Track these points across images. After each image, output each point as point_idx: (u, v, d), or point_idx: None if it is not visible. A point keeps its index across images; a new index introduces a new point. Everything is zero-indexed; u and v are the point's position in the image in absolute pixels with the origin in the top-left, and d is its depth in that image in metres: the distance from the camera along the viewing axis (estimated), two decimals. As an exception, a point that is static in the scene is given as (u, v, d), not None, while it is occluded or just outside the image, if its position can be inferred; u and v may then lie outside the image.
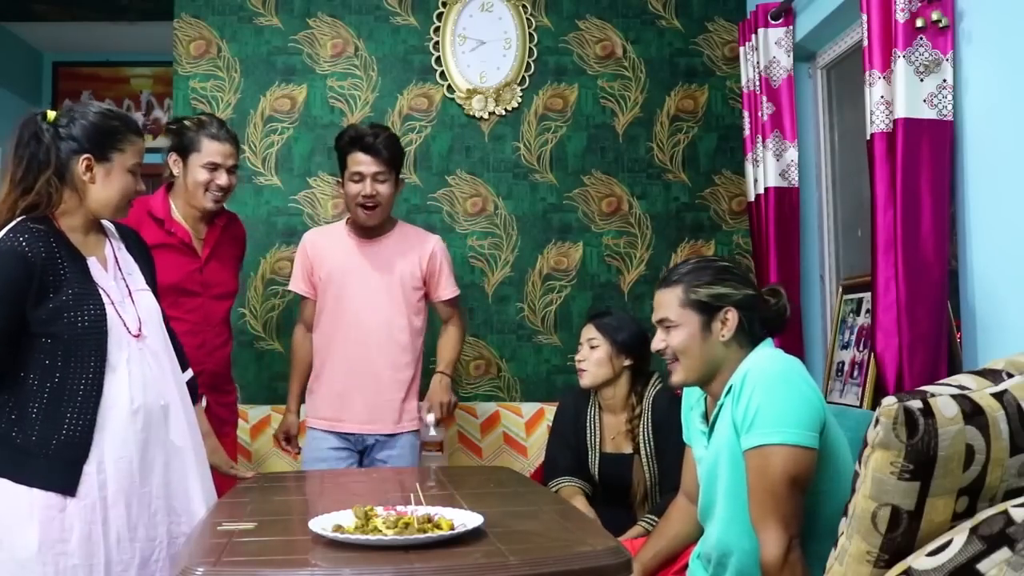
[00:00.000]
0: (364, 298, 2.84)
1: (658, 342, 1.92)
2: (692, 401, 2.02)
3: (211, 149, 2.63)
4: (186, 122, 2.69)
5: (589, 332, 2.72)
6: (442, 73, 3.66)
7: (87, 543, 1.85)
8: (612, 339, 2.68)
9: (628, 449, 2.67)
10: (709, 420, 1.92)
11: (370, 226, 2.86)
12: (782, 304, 1.91)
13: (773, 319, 1.91)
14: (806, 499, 1.74)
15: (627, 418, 2.69)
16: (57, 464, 1.84)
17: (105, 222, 2.07)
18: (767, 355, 1.83)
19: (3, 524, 1.82)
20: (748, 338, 1.88)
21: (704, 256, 1.99)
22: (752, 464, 1.73)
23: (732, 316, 1.86)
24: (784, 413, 1.71)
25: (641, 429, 2.64)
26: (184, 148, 2.65)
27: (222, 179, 2.65)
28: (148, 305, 2.04)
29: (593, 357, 2.67)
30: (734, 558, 1.85)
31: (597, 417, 2.74)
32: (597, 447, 2.72)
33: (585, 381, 2.70)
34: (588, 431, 2.74)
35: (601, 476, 2.70)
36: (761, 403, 1.72)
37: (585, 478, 2.72)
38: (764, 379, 1.75)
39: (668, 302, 1.90)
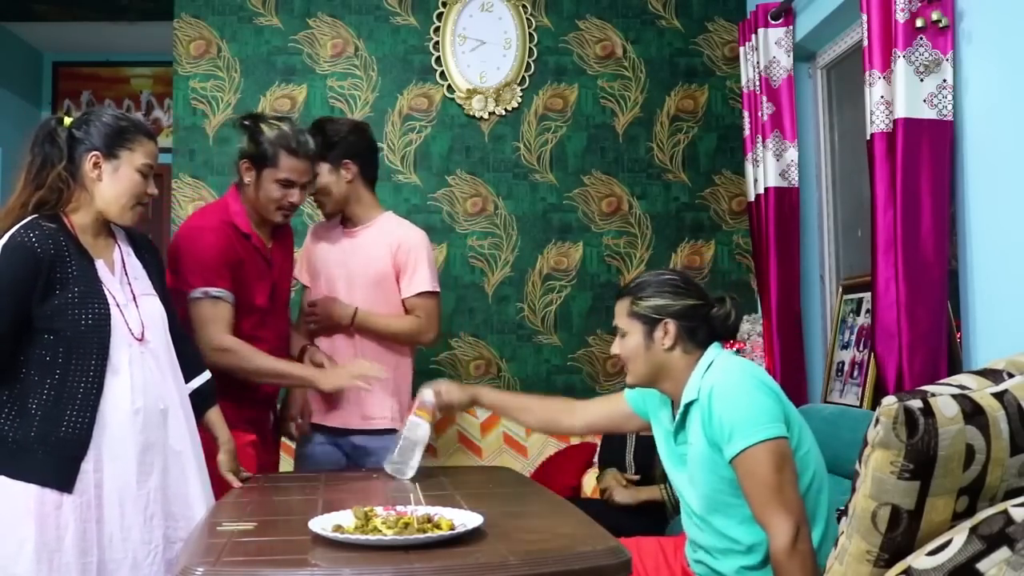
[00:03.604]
0: (341, 290, 2.71)
1: (614, 347, 2.04)
2: (658, 400, 2.10)
3: (288, 166, 2.43)
4: (264, 128, 2.45)
5: None
6: (442, 73, 3.66)
7: (81, 541, 1.85)
8: None
9: None
10: (675, 418, 2.00)
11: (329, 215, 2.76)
12: (724, 311, 1.99)
13: (718, 326, 2.00)
14: None
15: None
16: (54, 461, 1.85)
17: (115, 227, 2.08)
18: (723, 368, 1.91)
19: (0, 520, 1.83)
20: (693, 344, 1.97)
21: (654, 270, 2.11)
22: (742, 469, 1.80)
23: (671, 327, 1.96)
24: (753, 415, 1.81)
25: None
26: (259, 158, 2.44)
27: (295, 196, 2.47)
28: (152, 310, 2.06)
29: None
30: (726, 560, 1.92)
31: None
32: (634, 441, 2.92)
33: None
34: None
35: (635, 459, 2.90)
36: (733, 415, 1.82)
37: (621, 468, 2.94)
38: (727, 393, 1.85)
39: (619, 312, 2.03)
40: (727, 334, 2.02)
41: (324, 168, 2.66)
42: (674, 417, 2.01)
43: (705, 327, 1.99)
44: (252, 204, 2.49)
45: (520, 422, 2.47)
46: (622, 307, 2.02)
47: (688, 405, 1.94)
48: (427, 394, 2.26)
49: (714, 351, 1.97)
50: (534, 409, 2.37)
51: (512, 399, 2.52)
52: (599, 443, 3.17)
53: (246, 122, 2.50)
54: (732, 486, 1.85)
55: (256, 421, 2.54)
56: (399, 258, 2.69)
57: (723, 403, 1.84)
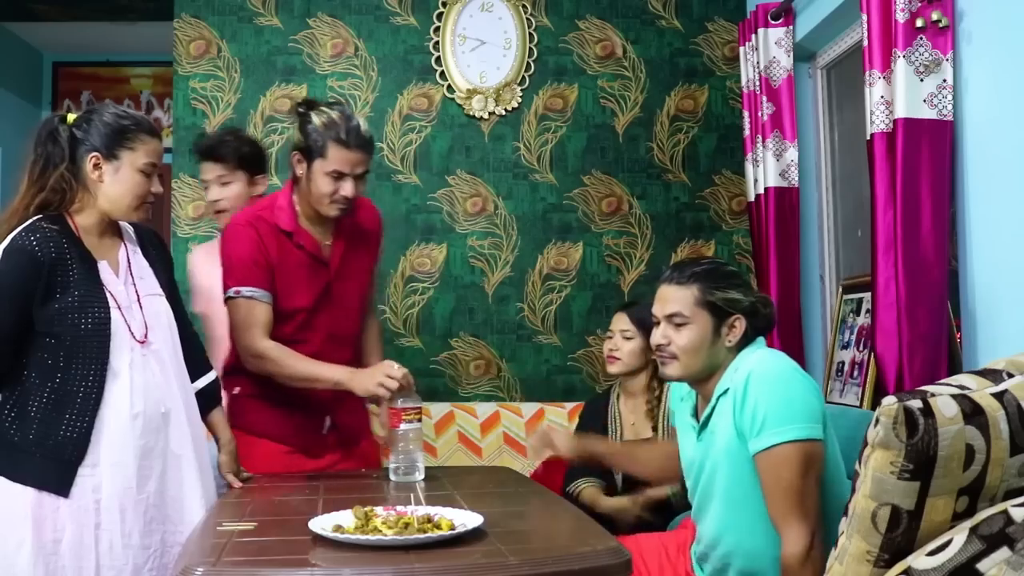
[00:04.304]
0: None
1: (660, 337, 1.91)
2: (683, 393, 2.04)
3: (337, 157, 2.26)
4: (313, 116, 2.29)
5: (622, 323, 2.76)
6: (442, 73, 3.66)
7: (78, 546, 1.84)
8: (646, 331, 2.70)
9: (647, 433, 2.72)
10: (700, 418, 1.93)
11: None
12: (772, 312, 1.95)
13: (764, 327, 1.94)
14: None
15: (646, 399, 2.76)
16: (52, 464, 1.84)
17: (123, 224, 2.06)
18: (761, 357, 1.84)
19: None
20: (744, 343, 1.90)
21: (712, 258, 2.01)
22: (766, 464, 1.74)
23: (740, 324, 1.88)
24: (790, 411, 1.73)
25: (661, 409, 2.70)
26: (308, 150, 2.29)
27: (347, 189, 2.28)
28: (157, 310, 2.03)
29: (627, 348, 2.73)
30: (735, 560, 1.87)
31: (618, 408, 2.81)
32: (619, 439, 2.78)
33: (616, 368, 2.76)
34: (610, 427, 2.79)
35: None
36: (768, 405, 1.74)
37: (604, 474, 2.72)
38: (766, 381, 1.76)
39: (682, 298, 1.89)
40: (765, 335, 1.97)
41: (241, 178, 2.66)
42: (698, 415, 1.95)
43: (753, 327, 1.91)
44: (306, 198, 2.35)
45: (635, 474, 2.42)
46: (685, 294, 1.88)
47: (719, 396, 1.84)
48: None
49: (756, 345, 1.90)
50: (642, 462, 2.32)
51: (625, 453, 2.43)
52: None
53: (300, 109, 2.35)
54: (754, 481, 1.77)
55: (298, 428, 2.41)
56: None
57: (760, 389, 1.74)
